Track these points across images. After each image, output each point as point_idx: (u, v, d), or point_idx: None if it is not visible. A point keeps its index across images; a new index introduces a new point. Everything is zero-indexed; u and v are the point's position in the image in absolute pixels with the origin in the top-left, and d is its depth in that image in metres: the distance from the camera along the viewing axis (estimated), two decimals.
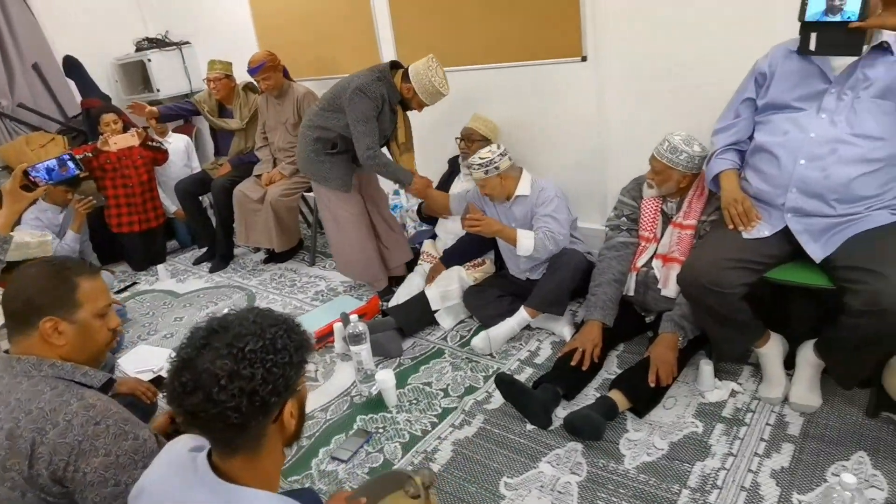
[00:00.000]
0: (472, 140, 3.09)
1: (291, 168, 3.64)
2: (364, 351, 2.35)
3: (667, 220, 2.38)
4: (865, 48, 1.76)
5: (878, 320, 1.68)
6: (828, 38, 1.67)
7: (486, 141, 3.09)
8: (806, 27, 1.68)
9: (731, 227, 2.00)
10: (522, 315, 2.59)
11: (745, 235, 1.96)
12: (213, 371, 0.97)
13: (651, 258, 2.38)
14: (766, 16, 2.28)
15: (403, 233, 3.37)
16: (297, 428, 1.13)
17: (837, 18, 1.62)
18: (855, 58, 1.77)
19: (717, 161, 2.11)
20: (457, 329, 2.81)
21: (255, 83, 3.76)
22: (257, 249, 4.10)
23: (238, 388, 0.97)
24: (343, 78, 2.87)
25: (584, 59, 2.84)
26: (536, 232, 2.55)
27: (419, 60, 2.79)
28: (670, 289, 2.27)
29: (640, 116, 2.76)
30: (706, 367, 2.15)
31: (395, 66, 2.88)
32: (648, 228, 2.40)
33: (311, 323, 2.86)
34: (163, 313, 3.47)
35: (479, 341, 2.56)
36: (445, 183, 3.26)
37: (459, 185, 3.16)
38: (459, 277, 2.84)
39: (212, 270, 3.97)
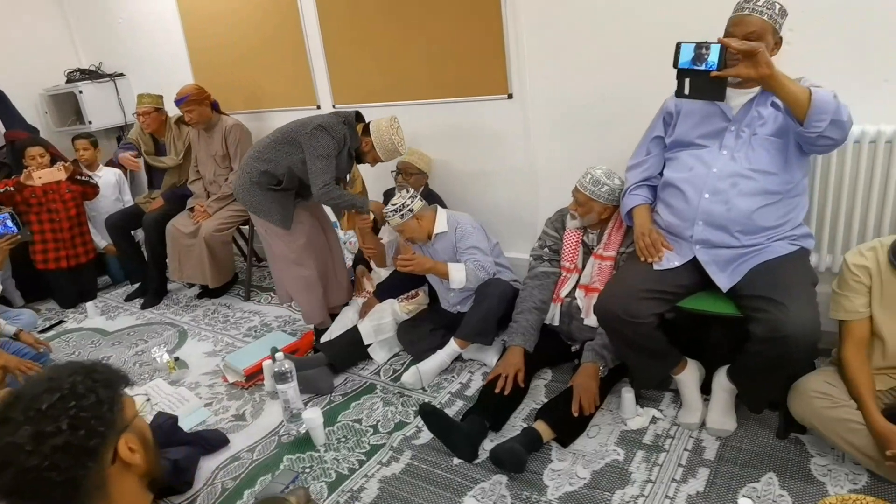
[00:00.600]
0: (408, 173, 3.13)
1: (218, 205, 3.63)
2: (291, 389, 2.31)
3: (588, 251, 2.46)
4: (729, 91, 1.89)
5: (781, 347, 1.78)
6: (697, 84, 1.79)
7: (422, 174, 3.14)
8: (680, 73, 1.80)
9: (641, 259, 2.09)
10: (452, 347, 2.61)
11: (656, 266, 2.05)
12: (15, 442, 0.92)
13: (574, 288, 2.44)
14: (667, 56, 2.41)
15: (346, 269, 3.31)
16: (147, 460, 1.07)
17: (703, 67, 1.75)
18: (719, 101, 1.92)
19: (629, 197, 2.21)
20: (390, 363, 2.80)
21: None
22: (191, 285, 4.01)
23: (48, 447, 0.93)
24: (303, 117, 2.86)
25: (510, 96, 2.94)
26: (466, 264, 2.60)
27: (382, 118, 2.85)
28: (592, 318, 2.32)
29: (564, 150, 2.86)
30: (627, 394, 2.20)
31: (358, 118, 2.91)
32: (570, 259, 2.47)
33: (242, 360, 2.80)
34: (90, 352, 3.35)
35: (409, 376, 2.56)
36: None
37: None
38: (392, 311, 2.84)
39: (144, 307, 3.86)
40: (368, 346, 2.79)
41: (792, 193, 1.97)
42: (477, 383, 2.57)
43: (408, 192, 2.69)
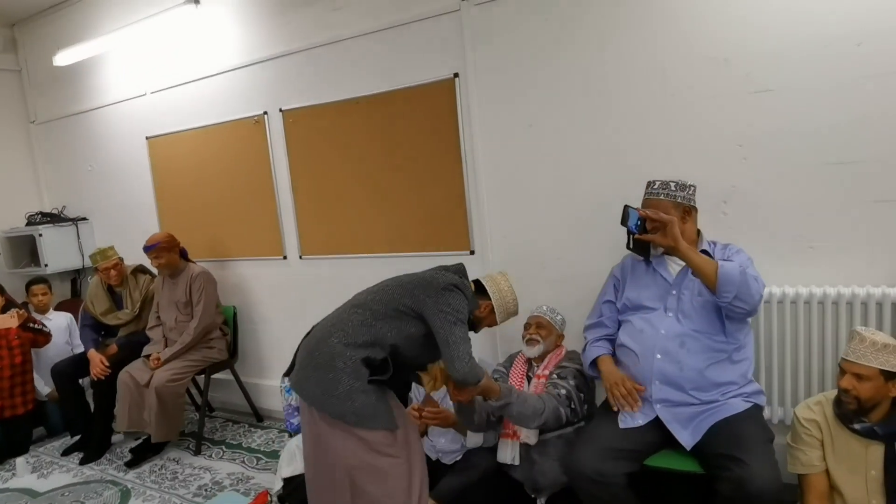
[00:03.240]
0: None
1: (174, 350, 3.57)
2: None
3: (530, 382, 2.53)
4: (654, 252, 2.23)
5: None
6: (634, 241, 2.16)
7: None
8: (628, 232, 2.16)
9: (616, 408, 2.15)
10: None
11: (622, 425, 2.10)
12: None
13: None
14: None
15: None
16: None
17: (632, 229, 2.12)
18: (645, 259, 2.26)
19: (592, 348, 2.31)
20: None
21: (144, 266, 3.82)
22: (137, 437, 3.79)
23: None
24: (403, 277, 2.23)
25: (472, 252, 3.10)
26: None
27: (495, 274, 2.41)
28: (532, 437, 2.34)
29: (523, 303, 2.97)
30: None
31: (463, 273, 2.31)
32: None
33: None
34: None
35: None
36: None
37: None
38: None
39: (83, 462, 3.60)
40: None
41: (739, 352, 2.12)
42: None
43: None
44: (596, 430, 2.16)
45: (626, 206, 2.11)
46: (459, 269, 2.26)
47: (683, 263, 2.15)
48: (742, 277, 1.97)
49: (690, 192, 2.19)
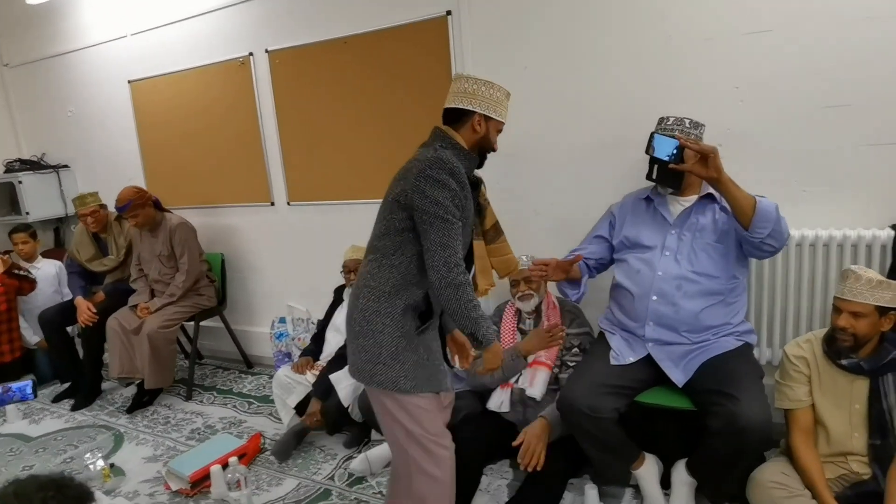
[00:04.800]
0: (352, 270, 3.10)
1: (162, 301, 3.54)
2: (244, 498, 2.19)
3: (524, 336, 2.52)
4: (661, 190, 2.20)
5: (737, 439, 1.85)
6: (661, 171, 2.07)
7: None
8: (651, 160, 2.07)
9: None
10: None
11: (613, 362, 2.13)
12: None
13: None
14: (611, 159, 2.63)
15: None
16: None
17: (665, 158, 2.01)
18: (674, 191, 2.17)
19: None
20: (344, 466, 2.70)
21: None
22: (129, 384, 3.79)
23: None
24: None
25: None
26: None
27: (454, 85, 1.84)
28: (536, 388, 2.36)
29: (515, 249, 2.97)
30: (591, 490, 2.20)
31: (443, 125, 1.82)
32: (508, 343, 2.50)
33: (187, 465, 2.64)
34: (8, 461, 3.06)
35: (357, 463, 2.55)
36: (331, 312, 3.26)
37: (342, 314, 3.15)
38: None
39: (74, 408, 3.60)
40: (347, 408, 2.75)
41: (734, 294, 2.13)
42: None
43: None
44: (588, 367, 2.19)
45: (653, 134, 2.05)
46: (435, 135, 1.80)
47: (686, 205, 2.15)
48: (777, 214, 1.96)
49: (701, 132, 2.15)
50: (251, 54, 3.59)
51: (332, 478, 2.62)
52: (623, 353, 2.16)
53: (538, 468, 2.17)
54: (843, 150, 2.31)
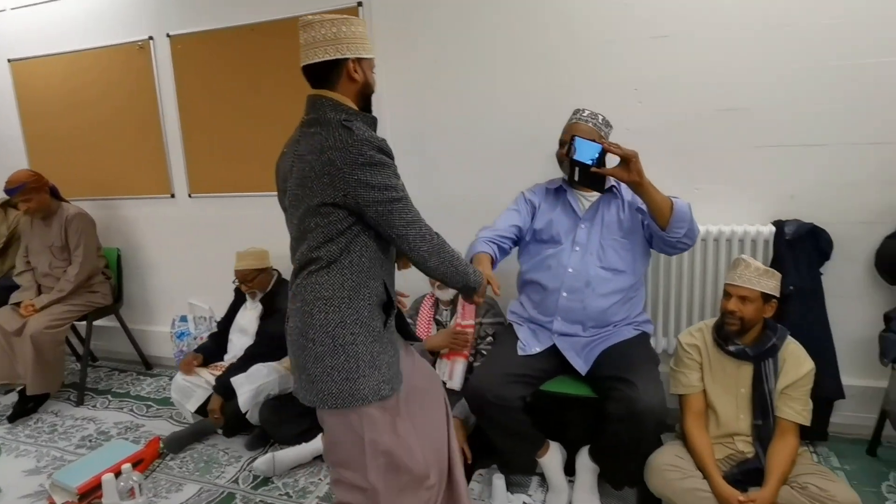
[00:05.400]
0: (249, 280, 2.96)
1: (50, 298, 3.28)
2: None
3: (440, 326, 2.57)
4: (577, 193, 2.23)
5: (634, 425, 1.93)
6: (584, 174, 1.99)
7: (266, 270, 3.01)
8: (572, 162, 2.00)
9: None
10: (318, 444, 2.51)
11: (519, 352, 2.17)
12: None
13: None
14: (519, 154, 2.68)
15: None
16: None
17: (588, 162, 1.97)
18: (598, 193, 2.17)
19: (478, 243, 2.22)
20: (248, 469, 2.60)
21: None
22: (8, 391, 3.48)
23: None
24: (295, 189, 1.56)
25: None
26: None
27: (305, 34, 1.53)
28: (455, 380, 2.39)
29: None
30: (498, 481, 2.23)
31: (318, 88, 1.57)
32: (423, 334, 2.55)
33: (74, 476, 2.45)
34: None
35: (262, 463, 2.48)
36: (232, 312, 3.13)
37: (247, 315, 3.06)
38: (275, 368, 2.72)
39: None
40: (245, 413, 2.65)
41: (634, 288, 2.23)
42: None
43: None
44: (496, 357, 2.23)
45: (574, 137, 2.00)
46: (319, 104, 1.55)
47: (593, 199, 2.21)
48: (691, 214, 2.03)
49: (609, 130, 2.23)
50: (151, 38, 3.39)
51: (235, 481, 2.52)
52: (530, 343, 2.21)
53: (468, 462, 2.21)
54: (732, 151, 2.47)
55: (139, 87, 3.47)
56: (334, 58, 1.51)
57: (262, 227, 3.20)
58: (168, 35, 3.34)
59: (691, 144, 2.51)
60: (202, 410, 2.82)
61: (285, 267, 3.14)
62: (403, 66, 2.88)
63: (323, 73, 1.54)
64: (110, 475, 2.30)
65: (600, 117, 2.20)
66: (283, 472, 2.50)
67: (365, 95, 1.61)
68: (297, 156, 1.54)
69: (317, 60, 1.52)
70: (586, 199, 2.26)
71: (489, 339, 2.47)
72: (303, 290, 1.56)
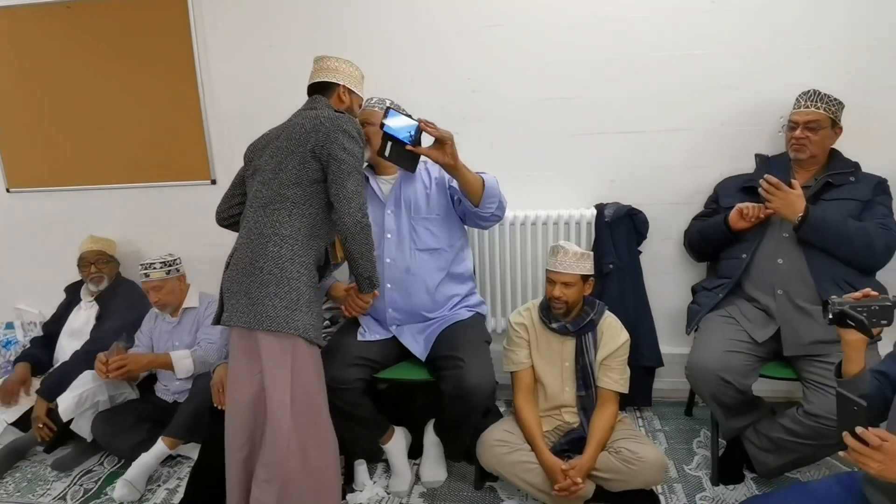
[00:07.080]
0: (102, 262, 2.85)
1: None
2: None
3: None
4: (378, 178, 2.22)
5: (464, 401, 2.01)
6: (396, 150, 1.85)
7: (115, 261, 2.91)
8: (385, 136, 1.84)
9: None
10: (161, 447, 2.38)
11: (360, 337, 2.19)
12: None
13: None
14: None
15: None
16: None
17: (402, 138, 1.84)
18: (404, 172, 2.14)
19: None
20: (80, 482, 2.42)
21: None
22: None
23: None
24: (280, 143, 1.86)
25: (213, 181, 2.93)
26: (196, 348, 2.49)
27: (316, 65, 2.04)
28: None
29: None
30: (360, 466, 2.27)
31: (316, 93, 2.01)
32: None
33: None
34: None
35: (122, 490, 2.26)
36: (63, 313, 2.91)
37: (81, 316, 2.84)
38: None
39: None
40: (69, 423, 2.44)
41: (458, 261, 2.27)
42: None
43: (171, 255, 2.57)
44: (337, 342, 2.22)
45: (389, 108, 1.83)
46: (318, 102, 1.94)
47: (392, 182, 2.23)
48: (499, 188, 2.10)
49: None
50: None
51: (63, 497, 2.33)
52: (371, 329, 2.22)
53: None
54: (557, 138, 2.61)
55: None
56: (329, 80, 1.98)
57: (94, 222, 3.00)
58: None
59: (522, 132, 2.62)
60: (22, 423, 2.58)
61: (128, 265, 2.98)
62: (235, 51, 2.77)
63: (320, 91, 1.99)
64: None
65: (387, 101, 2.12)
66: (143, 485, 2.33)
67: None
68: (289, 124, 1.90)
69: (318, 80, 1.99)
70: (387, 182, 2.25)
71: (326, 322, 2.45)
72: (261, 224, 1.81)
